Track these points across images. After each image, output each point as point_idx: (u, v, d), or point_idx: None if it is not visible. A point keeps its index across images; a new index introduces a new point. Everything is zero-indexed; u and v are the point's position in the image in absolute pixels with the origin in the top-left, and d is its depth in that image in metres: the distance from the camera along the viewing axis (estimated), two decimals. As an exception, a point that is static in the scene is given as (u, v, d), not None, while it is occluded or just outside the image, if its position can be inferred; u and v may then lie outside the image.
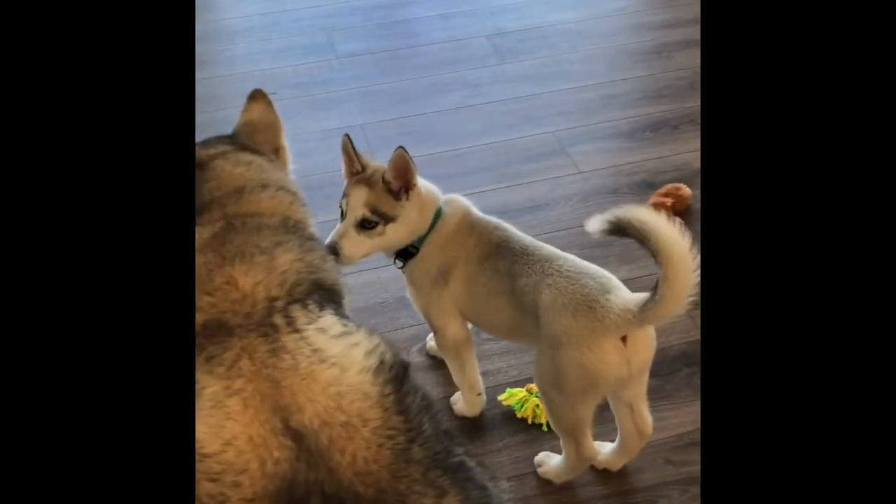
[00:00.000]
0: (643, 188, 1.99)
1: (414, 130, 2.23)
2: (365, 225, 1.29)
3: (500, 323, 1.30)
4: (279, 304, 0.82)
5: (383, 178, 1.27)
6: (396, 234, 1.30)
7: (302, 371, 0.77)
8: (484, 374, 1.55)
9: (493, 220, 1.34)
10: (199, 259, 0.84)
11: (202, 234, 0.88)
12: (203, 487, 0.71)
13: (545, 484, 1.38)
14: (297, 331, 0.80)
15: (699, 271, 1.05)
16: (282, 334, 0.79)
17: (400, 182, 1.27)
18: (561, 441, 1.31)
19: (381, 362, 0.80)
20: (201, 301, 0.80)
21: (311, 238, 0.93)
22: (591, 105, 2.28)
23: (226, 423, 0.73)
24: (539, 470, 1.39)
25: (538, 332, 1.21)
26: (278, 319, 0.80)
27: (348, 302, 0.91)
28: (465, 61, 2.51)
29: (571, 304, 1.15)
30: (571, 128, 2.21)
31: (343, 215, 1.31)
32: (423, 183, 1.33)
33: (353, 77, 2.45)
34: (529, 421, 1.48)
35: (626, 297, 1.15)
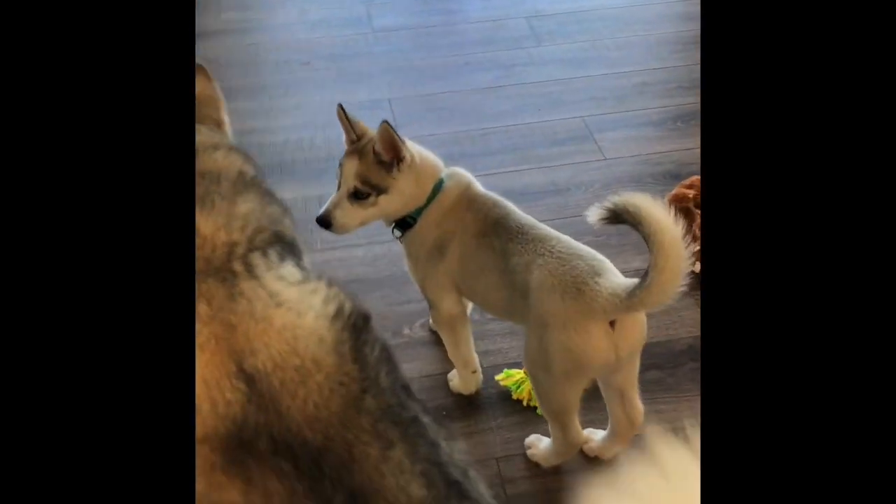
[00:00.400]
0: (668, 179, 1.94)
1: (441, 107, 2.21)
2: (357, 196, 1.28)
3: (493, 300, 1.29)
4: (239, 249, 0.82)
5: (374, 149, 1.26)
6: (389, 204, 1.29)
7: (258, 315, 0.77)
8: (484, 353, 1.53)
9: (494, 196, 1.32)
10: None
11: None
12: None
13: (533, 466, 1.36)
14: (255, 277, 0.80)
15: (690, 261, 1.03)
16: (240, 280, 0.79)
17: (390, 154, 1.26)
18: (549, 425, 1.29)
19: (340, 310, 0.80)
20: None
21: (270, 193, 0.92)
22: (623, 92, 2.24)
23: None
24: (528, 452, 1.37)
25: (528, 312, 1.19)
26: (237, 266, 0.80)
27: (309, 262, 0.90)
28: (501, 42, 2.48)
29: (560, 285, 1.13)
30: (601, 114, 2.17)
31: (338, 186, 1.31)
32: (421, 155, 1.31)
33: (386, 51, 2.44)
34: (525, 403, 1.46)
35: (615, 281, 1.12)
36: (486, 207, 1.29)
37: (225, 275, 0.79)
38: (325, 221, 1.29)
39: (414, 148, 1.31)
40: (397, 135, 1.25)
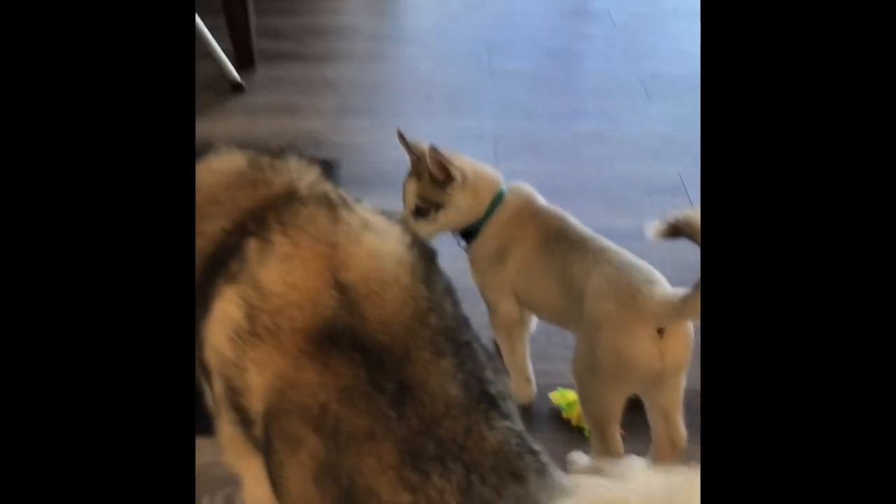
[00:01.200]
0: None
1: (542, 146, 2.30)
2: (419, 212, 1.42)
3: (548, 306, 1.36)
4: (331, 187, 1.01)
5: (428, 170, 1.39)
6: (449, 218, 1.41)
7: (353, 237, 0.92)
8: (542, 372, 1.58)
9: (556, 209, 1.41)
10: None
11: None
12: (262, 320, 0.87)
13: (571, 482, 1.40)
14: (349, 207, 0.97)
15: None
16: (340, 207, 0.96)
17: (442, 174, 1.39)
18: (591, 439, 1.33)
19: (415, 241, 0.95)
20: (276, 178, 1.00)
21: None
22: (724, 154, 2.26)
23: (292, 271, 0.89)
24: (570, 468, 1.41)
25: (581, 319, 1.24)
26: (334, 196, 0.98)
27: None
28: (611, 94, 2.56)
29: (615, 291, 1.20)
30: (697, 171, 2.20)
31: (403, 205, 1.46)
32: (476, 171, 1.43)
33: (499, 89, 2.57)
34: (574, 423, 1.50)
35: (668, 289, 1.19)
36: (547, 218, 1.38)
37: (327, 202, 0.96)
38: None
39: (468, 165, 1.43)
40: (444, 157, 1.38)
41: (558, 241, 1.33)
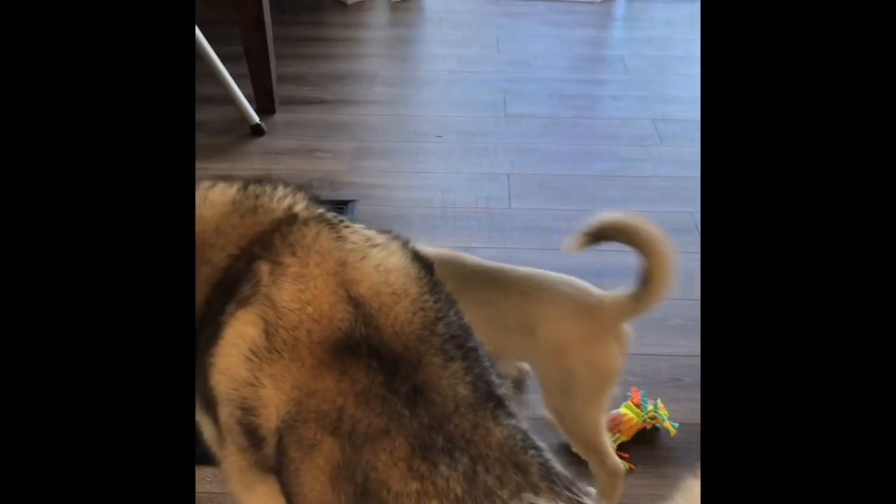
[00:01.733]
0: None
1: (555, 186, 2.34)
2: None
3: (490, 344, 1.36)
4: (326, 209, 1.05)
5: None
6: None
7: (359, 253, 0.96)
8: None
9: (445, 254, 1.34)
10: None
11: None
12: (280, 335, 0.90)
13: (580, 516, 1.39)
14: (348, 226, 1.01)
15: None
16: (340, 226, 1.00)
17: None
18: (590, 466, 1.33)
19: (416, 253, 1.00)
20: (273, 203, 1.03)
21: None
22: (736, 195, 2.29)
23: (305, 289, 0.93)
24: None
25: (529, 347, 1.29)
26: (331, 216, 1.02)
27: None
28: (624, 137, 2.60)
29: (569, 310, 1.25)
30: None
31: None
32: None
33: (514, 134, 2.62)
34: (583, 456, 1.50)
35: (609, 292, 1.26)
36: (450, 266, 1.31)
37: (329, 222, 1.00)
38: None
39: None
40: None
41: (471, 285, 1.29)
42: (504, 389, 0.92)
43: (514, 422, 0.87)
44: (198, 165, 0.91)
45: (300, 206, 1.03)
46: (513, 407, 0.90)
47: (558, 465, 0.86)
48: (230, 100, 2.59)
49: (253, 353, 0.91)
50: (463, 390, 0.87)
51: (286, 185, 1.08)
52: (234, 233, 1.01)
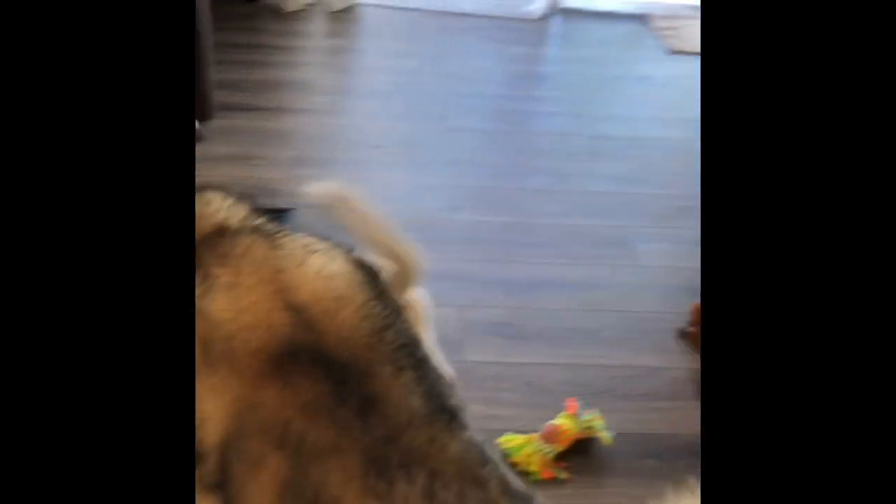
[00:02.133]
0: (697, 293, 2.03)
1: (494, 199, 2.37)
2: None
3: None
4: (260, 218, 1.01)
5: None
6: None
7: (297, 260, 0.93)
8: (491, 417, 1.61)
9: None
10: None
11: None
12: (216, 347, 0.87)
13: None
14: (287, 234, 0.98)
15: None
16: (276, 236, 0.97)
17: None
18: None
19: (360, 260, 0.97)
20: (210, 219, 0.99)
21: None
22: (666, 212, 2.36)
23: (239, 298, 0.89)
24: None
25: None
26: (269, 227, 0.98)
27: None
28: (561, 153, 2.66)
29: None
30: (642, 227, 2.29)
31: None
32: None
33: (454, 147, 2.64)
34: (520, 468, 1.52)
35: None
36: None
37: (263, 232, 0.97)
38: None
39: None
40: None
41: None
42: (455, 401, 0.90)
43: (469, 434, 0.84)
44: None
45: (235, 220, 1.00)
46: (465, 417, 0.88)
47: (516, 480, 0.84)
48: (165, 104, 2.54)
49: None
50: (416, 402, 0.85)
51: (225, 195, 1.04)
52: None
